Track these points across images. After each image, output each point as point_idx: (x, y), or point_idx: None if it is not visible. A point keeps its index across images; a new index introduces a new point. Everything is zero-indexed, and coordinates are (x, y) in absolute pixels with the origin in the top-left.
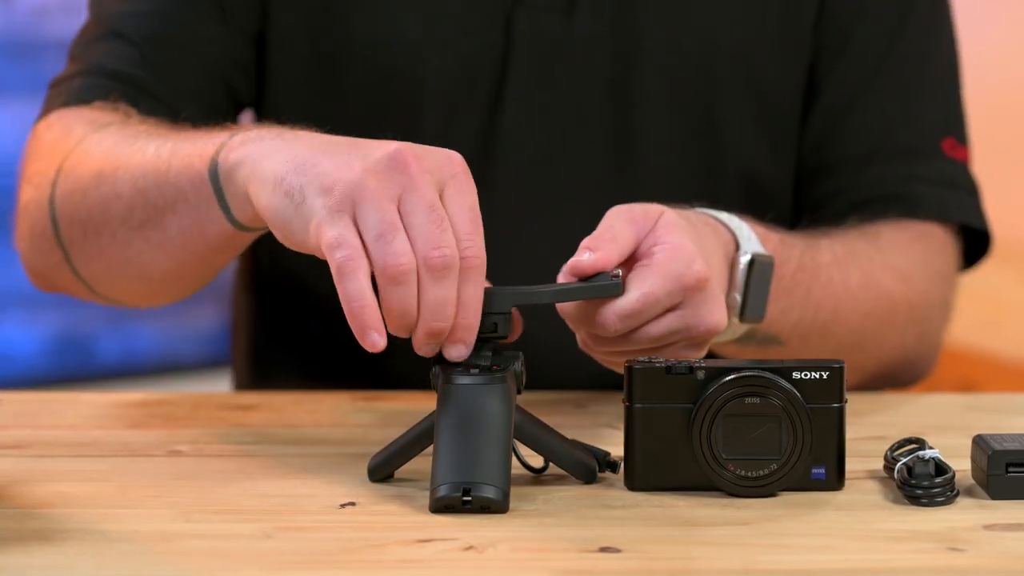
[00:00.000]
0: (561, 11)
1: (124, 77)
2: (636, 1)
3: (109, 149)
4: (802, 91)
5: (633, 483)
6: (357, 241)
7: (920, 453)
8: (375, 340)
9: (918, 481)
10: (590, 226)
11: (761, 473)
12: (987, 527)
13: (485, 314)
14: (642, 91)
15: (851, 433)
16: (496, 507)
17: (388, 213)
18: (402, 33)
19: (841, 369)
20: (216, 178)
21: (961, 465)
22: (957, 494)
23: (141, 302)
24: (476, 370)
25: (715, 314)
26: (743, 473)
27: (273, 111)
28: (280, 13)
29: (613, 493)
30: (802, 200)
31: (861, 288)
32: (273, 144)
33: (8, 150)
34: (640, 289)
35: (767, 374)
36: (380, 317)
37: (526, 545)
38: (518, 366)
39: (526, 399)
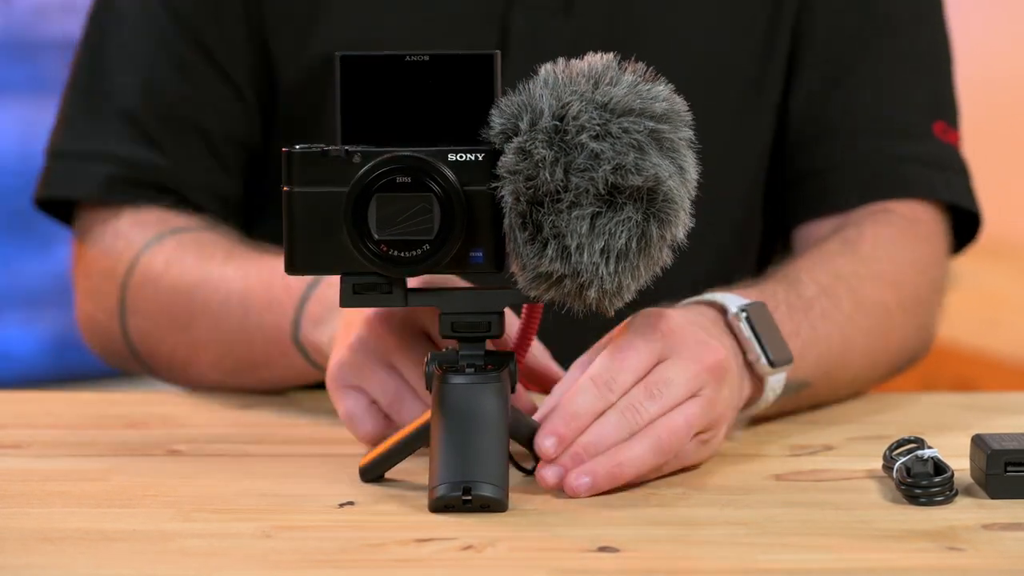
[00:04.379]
0: (558, 10)
1: (143, 165)
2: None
3: (175, 284)
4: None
5: (293, 267)
6: None
7: (919, 452)
8: None
9: (917, 480)
10: None
11: (414, 253)
12: (986, 526)
13: (478, 313)
14: None
15: (850, 432)
16: (496, 506)
17: None
18: (390, 34)
19: (492, 151)
20: (305, 352)
21: (960, 464)
22: (956, 493)
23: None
24: (471, 369)
25: (733, 398)
26: (395, 253)
27: (280, 125)
28: (274, 36)
29: (612, 493)
30: (784, 176)
31: (855, 309)
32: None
33: (8, 149)
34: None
35: (422, 155)
36: None
37: (525, 544)
38: (512, 365)
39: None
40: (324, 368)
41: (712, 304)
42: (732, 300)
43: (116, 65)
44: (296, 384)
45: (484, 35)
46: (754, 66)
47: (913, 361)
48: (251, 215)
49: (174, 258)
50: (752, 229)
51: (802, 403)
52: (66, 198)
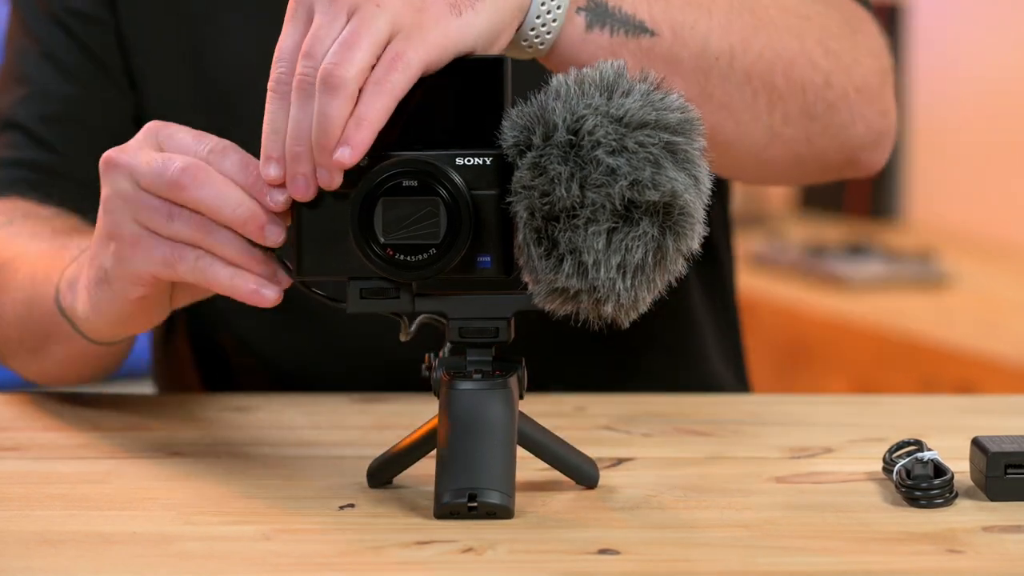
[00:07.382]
0: None
1: (25, 164)
2: None
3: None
4: None
5: (301, 271)
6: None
7: (919, 455)
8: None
9: (917, 483)
10: None
11: (420, 258)
12: (986, 529)
13: (486, 319)
14: None
15: (850, 435)
16: (502, 513)
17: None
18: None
19: (500, 156)
20: (67, 317)
21: (960, 467)
22: (956, 496)
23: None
24: (479, 375)
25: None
26: (401, 258)
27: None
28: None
29: (612, 495)
30: None
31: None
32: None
33: None
34: None
35: (429, 158)
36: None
37: (525, 547)
38: (520, 371)
39: (524, 403)
40: (88, 336)
41: None
42: None
43: (9, 82)
44: (92, 367)
45: None
46: None
47: (836, 113)
48: None
49: (5, 236)
50: None
51: (647, 59)
52: None
